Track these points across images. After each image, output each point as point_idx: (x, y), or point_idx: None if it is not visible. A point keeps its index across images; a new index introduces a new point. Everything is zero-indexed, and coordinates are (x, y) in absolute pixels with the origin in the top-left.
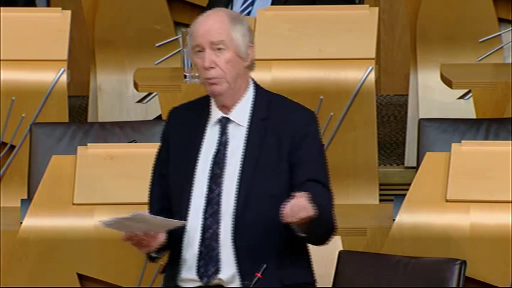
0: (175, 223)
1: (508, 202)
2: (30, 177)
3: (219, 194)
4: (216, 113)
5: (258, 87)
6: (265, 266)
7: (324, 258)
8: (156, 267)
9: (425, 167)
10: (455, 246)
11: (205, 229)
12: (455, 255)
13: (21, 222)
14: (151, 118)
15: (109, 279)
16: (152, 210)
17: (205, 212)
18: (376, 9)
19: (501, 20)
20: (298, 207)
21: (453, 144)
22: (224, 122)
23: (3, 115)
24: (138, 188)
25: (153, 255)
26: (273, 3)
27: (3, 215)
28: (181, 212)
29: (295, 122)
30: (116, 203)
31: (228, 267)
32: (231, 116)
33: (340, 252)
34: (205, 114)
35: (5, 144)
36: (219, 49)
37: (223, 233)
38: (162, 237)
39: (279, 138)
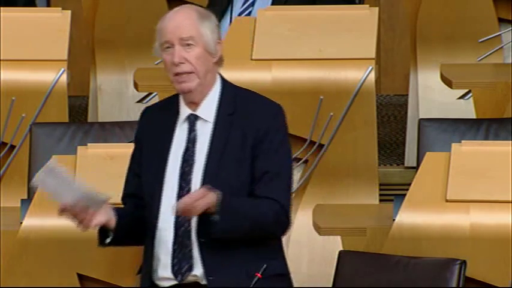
0: (101, 198)
1: (508, 202)
2: (30, 177)
3: (188, 191)
4: (184, 111)
5: (225, 83)
6: (265, 266)
7: (324, 258)
8: None
9: (425, 167)
10: (455, 246)
11: (177, 227)
12: (455, 255)
13: (21, 222)
14: None
15: (109, 279)
16: (125, 209)
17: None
18: (376, 9)
19: (501, 20)
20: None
21: (453, 144)
22: (192, 119)
23: (3, 115)
24: None
25: (106, 241)
26: (273, 4)
27: (3, 215)
28: (153, 211)
29: (260, 115)
30: (116, 203)
31: (199, 264)
32: (198, 112)
33: (340, 252)
34: (175, 113)
35: (5, 144)
36: (188, 45)
37: (195, 231)
38: (101, 218)
39: (244, 132)
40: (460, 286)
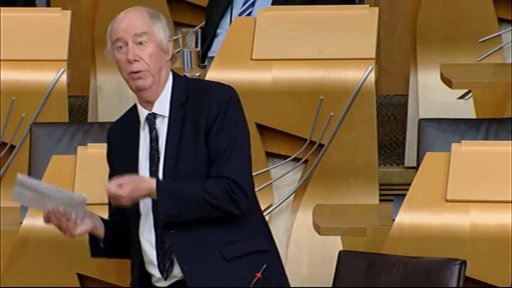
0: (78, 197)
1: (508, 202)
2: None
3: None
4: (143, 113)
5: (175, 76)
6: (265, 266)
7: (324, 258)
8: None
9: (425, 167)
10: (455, 246)
11: (156, 227)
12: (455, 255)
13: (21, 222)
14: None
15: (109, 279)
16: (112, 221)
17: (154, 209)
18: (376, 9)
19: (501, 20)
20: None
21: (453, 144)
22: (151, 118)
23: (3, 115)
24: None
25: (98, 252)
26: (273, 4)
27: (3, 215)
28: (134, 218)
29: (209, 101)
30: None
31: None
32: (154, 110)
33: (340, 252)
34: (135, 120)
35: (5, 144)
36: (141, 43)
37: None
38: (86, 226)
39: (196, 120)
40: (460, 286)
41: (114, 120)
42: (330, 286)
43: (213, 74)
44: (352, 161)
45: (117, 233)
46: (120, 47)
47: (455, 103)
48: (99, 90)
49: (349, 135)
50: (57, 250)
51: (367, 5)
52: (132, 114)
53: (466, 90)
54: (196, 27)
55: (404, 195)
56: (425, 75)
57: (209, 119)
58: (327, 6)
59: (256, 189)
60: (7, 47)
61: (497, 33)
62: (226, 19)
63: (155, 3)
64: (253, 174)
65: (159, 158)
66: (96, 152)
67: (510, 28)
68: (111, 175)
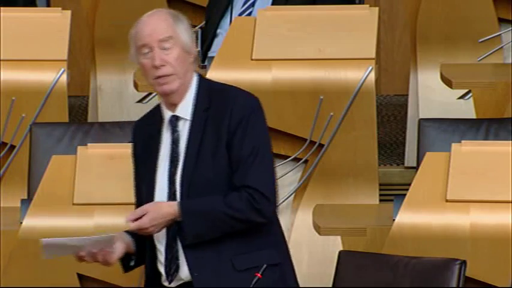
0: (106, 237)
1: (508, 202)
2: (30, 177)
3: (174, 193)
4: (166, 114)
5: (200, 79)
6: (265, 266)
7: (324, 258)
8: None
9: (425, 167)
10: (455, 246)
11: (168, 228)
12: (455, 255)
13: (21, 222)
14: None
15: (109, 279)
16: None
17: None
18: (376, 9)
19: (501, 20)
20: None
21: (453, 144)
22: (174, 120)
23: (3, 115)
24: None
25: (131, 264)
26: (273, 4)
27: (3, 215)
28: None
29: (232, 108)
30: (116, 203)
31: (185, 264)
32: (177, 112)
33: (340, 252)
34: (159, 120)
35: (5, 144)
36: (167, 47)
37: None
38: (119, 250)
39: (218, 126)
40: (460, 286)
41: (114, 120)
42: (330, 286)
43: (213, 74)
44: (352, 161)
45: (144, 238)
46: (146, 53)
47: (455, 103)
48: (99, 90)
49: (349, 135)
50: None
51: (367, 5)
52: (156, 113)
53: (466, 90)
54: (196, 27)
55: (404, 195)
56: (425, 75)
57: (231, 125)
58: (327, 6)
59: None
60: (7, 47)
61: (497, 33)
62: (226, 19)
63: (155, 3)
64: None
65: (178, 160)
66: (96, 152)
67: (510, 28)
68: (135, 173)
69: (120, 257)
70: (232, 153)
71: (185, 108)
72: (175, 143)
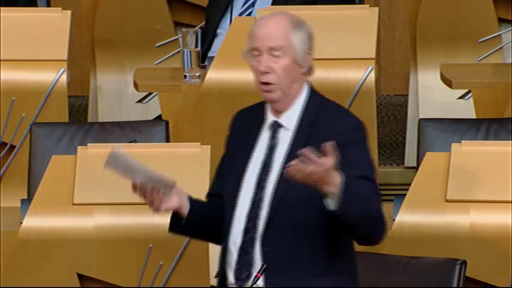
0: (169, 182)
1: (508, 202)
2: (30, 177)
3: (260, 199)
4: (269, 117)
5: (311, 92)
6: (265, 266)
7: None
8: (156, 267)
9: (425, 167)
10: (455, 246)
11: (245, 232)
12: (455, 255)
13: (21, 222)
14: (151, 118)
15: (109, 279)
16: (205, 203)
17: (248, 215)
18: (376, 9)
19: (501, 20)
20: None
21: (453, 144)
22: (275, 126)
23: (3, 115)
24: None
25: (175, 229)
26: (273, 4)
27: (3, 215)
28: (228, 215)
29: (338, 129)
30: (116, 203)
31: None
32: (281, 120)
33: None
34: (261, 118)
35: (5, 144)
36: (276, 55)
37: (259, 238)
38: (172, 203)
39: (321, 146)
40: (460, 286)
41: (114, 120)
42: None
43: (213, 74)
44: None
45: (208, 216)
46: (255, 55)
47: (455, 103)
48: (99, 90)
49: None
50: (57, 250)
51: (367, 5)
52: (259, 110)
53: (466, 90)
54: (196, 27)
55: (404, 195)
56: (425, 75)
57: (337, 147)
58: (327, 6)
59: None
60: (7, 47)
61: (497, 33)
62: (226, 19)
63: (155, 3)
64: None
65: (270, 168)
66: (96, 152)
67: (510, 28)
68: (222, 160)
69: (169, 208)
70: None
71: (289, 118)
72: (271, 149)
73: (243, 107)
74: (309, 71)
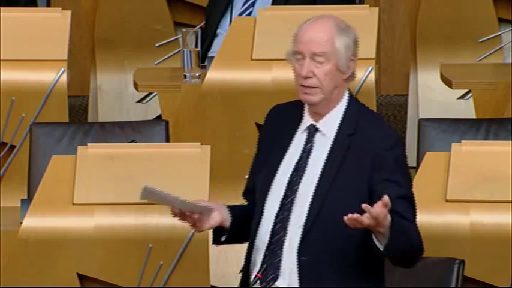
0: (204, 207)
1: (508, 202)
2: (30, 177)
3: (291, 202)
4: (307, 119)
5: (351, 99)
6: (265, 266)
7: None
8: (156, 267)
9: (425, 167)
10: (455, 246)
11: (273, 234)
12: (455, 255)
13: (21, 222)
14: (151, 118)
15: (109, 279)
16: (242, 206)
17: (277, 216)
18: (376, 9)
19: (501, 20)
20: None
21: (453, 144)
22: (312, 130)
23: (3, 115)
24: (138, 188)
25: (222, 239)
26: (273, 4)
27: (3, 215)
28: (258, 211)
29: (378, 141)
30: (116, 203)
31: (286, 277)
32: (319, 125)
33: None
34: (298, 119)
35: (5, 144)
36: (319, 61)
37: (288, 242)
38: (214, 221)
39: (360, 157)
40: (459, 286)
41: (114, 120)
42: None
43: (213, 74)
44: None
45: (247, 219)
46: (298, 58)
47: (455, 103)
48: (99, 90)
49: None
50: (57, 250)
51: (367, 5)
52: (297, 109)
53: (466, 90)
54: (196, 27)
55: None
56: (425, 75)
57: (375, 162)
58: (327, 6)
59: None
60: (7, 47)
61: (497, 33)
62: (226, 19)
63: (155, 3)
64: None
65: (303, 172)
66: (96, 152)
67: (510, 28)
68: (256, 157)
69: (213, 227)
70: (378, 194)
71: (328, 125)
72: (306, 152)
73: (280, 103)
74: (352, 76)
